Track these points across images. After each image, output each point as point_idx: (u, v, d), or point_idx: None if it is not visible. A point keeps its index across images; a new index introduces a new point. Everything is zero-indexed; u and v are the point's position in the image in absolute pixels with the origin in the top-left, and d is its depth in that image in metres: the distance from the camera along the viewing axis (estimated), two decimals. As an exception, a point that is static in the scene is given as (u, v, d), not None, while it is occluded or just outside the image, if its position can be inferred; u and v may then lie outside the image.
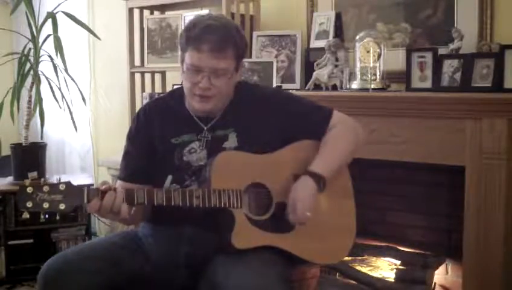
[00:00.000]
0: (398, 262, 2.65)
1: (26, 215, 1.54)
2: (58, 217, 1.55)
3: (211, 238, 1.69)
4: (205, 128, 1.79)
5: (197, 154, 1.77)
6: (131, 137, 1.86)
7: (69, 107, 3.63)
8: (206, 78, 1.69)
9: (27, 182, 1.54)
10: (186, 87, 1.75)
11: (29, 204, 1.53)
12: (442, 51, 2.48)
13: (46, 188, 1.54)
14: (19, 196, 1.54)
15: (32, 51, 3.59)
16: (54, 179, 2.93)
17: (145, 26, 3.40)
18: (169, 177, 1.77)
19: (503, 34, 2.43)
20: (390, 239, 2.77)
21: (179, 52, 1.81)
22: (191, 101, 1.77)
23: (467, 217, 2.28)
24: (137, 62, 3.49)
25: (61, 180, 1.58)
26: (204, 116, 1.79)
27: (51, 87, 3.59)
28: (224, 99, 1.78)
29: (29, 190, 1.53)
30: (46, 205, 1.54)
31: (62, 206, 1.55)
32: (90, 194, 1.58)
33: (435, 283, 2.52)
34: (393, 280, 2.54)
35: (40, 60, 3.62)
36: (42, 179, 1.58)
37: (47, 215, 1.56)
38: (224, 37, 1.69)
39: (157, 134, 1.81)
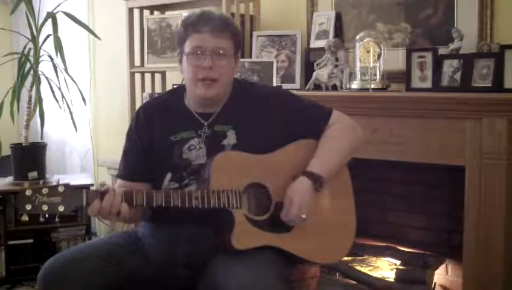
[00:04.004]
0: (398, 262, 2.65)
1: (25, 217, 1.54)
2: (57, 220, 1.55)
3: (210, 239, 1.69)
4: (205, 123, 1.79)
5: (196, 151, 1.76)
6: (131, 135, 1.86)
7: (69, 107, 3.63)
8: (208, 58, 1.71)
9: (26, 184, 1.55)
10: (189, 77, 1.75)
11: (28, 207, 1.53)
12: (442, 51, 2.47)
13: (45, 191, 1.54)
14: (18, 199, 1.55)
15: (32, 51, 3.59)
16: (54, 179, 2.94)
17: (145, 26, 3.40)
18: (168, 175, 1.77)
19: (503, 34, 2.43)
20: (390, 239, 2.77)
21: (178, 50, 1.82)
22: (194, 89, 1.76)
23: (467, 217, 2.28)
24: (137, 62, 3.49)
25: (61, 182, 1.58)
26: (203, 112, 1.79)
27: (51, 87, 3.59)
28: (226, 88, 1.78)
29: (28, 192, 1.54)
30: (45, 208, 1.54)
31: (61, 209, 1.55)
32: (89, 196, 1.58)
33: (435, 283, 2.52)
34: (393, 280, 2.54)
35: (40, 60, 3.62)
36: (41, 181, 1.59)
37: (47, 216, 1.57)
38: (222, 21, 1.74)
39: (156, 132, 1.81)
